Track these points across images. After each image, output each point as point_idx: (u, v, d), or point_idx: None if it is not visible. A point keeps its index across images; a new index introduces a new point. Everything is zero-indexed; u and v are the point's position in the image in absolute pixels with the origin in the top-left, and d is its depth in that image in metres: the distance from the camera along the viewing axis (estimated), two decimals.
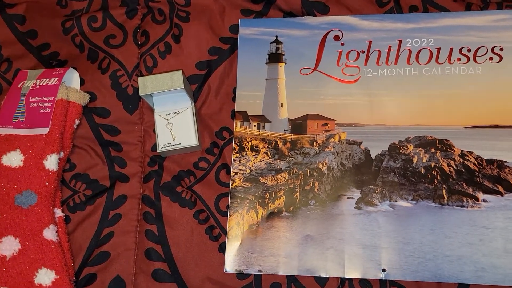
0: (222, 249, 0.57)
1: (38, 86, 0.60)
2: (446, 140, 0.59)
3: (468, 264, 0.53)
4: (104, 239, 0.58)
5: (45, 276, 0.53)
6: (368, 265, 0.54)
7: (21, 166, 0.56)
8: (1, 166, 0.56)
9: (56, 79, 0.60)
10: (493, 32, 0.61)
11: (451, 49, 0.61)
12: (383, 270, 0.54)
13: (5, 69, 0.65)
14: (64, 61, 0.65)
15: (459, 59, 0.61)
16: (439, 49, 0.61)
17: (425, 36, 0.62)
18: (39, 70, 0.62)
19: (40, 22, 0.66)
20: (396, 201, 0.57)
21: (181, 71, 0.57)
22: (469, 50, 0.61)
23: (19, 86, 0.61)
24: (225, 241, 0.57)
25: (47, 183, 0.56)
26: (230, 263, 0.56)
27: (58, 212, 0.58)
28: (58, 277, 0.53)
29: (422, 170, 0.58)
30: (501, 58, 0.60)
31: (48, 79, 0.61)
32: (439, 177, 0.58)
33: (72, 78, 0.63)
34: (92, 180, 0.60)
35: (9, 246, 0.54)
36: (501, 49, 0.60)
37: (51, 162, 0.57)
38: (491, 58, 0.60)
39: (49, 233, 0.55)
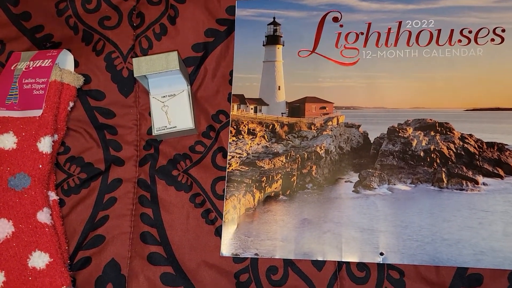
0: (218, 232, 0.56)
1: (31, 68, 0.59)
2: (446, 123, 0.58)
3: (467, 247, 0.52)
4: (99, 223, 0.57)
5: (39, 259, 0.52)
6: (366, 249, 0.53)
7: (14, 149, 0.56)
8: None
9: (50, 60, 0.59)
10: (494, 13, 0.60)
11: (452, 31, 0.60)
12: (381, 254, 0.53)
13: None
14: (58, 43, 0.64)
15: (460, 41, 0.60)
16: (439, 30, 0.60)
17: (425, 17, 0.61)
18: (33, 52, 0.61)
19: (33, 3, 0.65)
20: (394, 184, 0.57)
21: (176, 52, 0.56)
22: (470, 32, 0.60)
23: (12, 68, 0.60)
24: (221, 225, 0.56)
25: (40, 166, 0.55)
26: (227, 247, 0.55)
27: (52, 195, 0.57)
28: (52, 260, 0.53)
29: (421, 153, 0.57)
30: (502, 39, 0.59)
31: (41, 61, 0.60)
32: (438, 160, 0.57)
33: (66, 60, 0.62)
34: (86, 164, 0.60)
35: (2, 228, 0.53)
36: (503, 30, 0.59)
37: (45, 145, 0.56)
38: (492, 40, 0.59)
39: (43, 216, 0.54)
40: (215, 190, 0.58)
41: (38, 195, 0.55)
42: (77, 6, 0.64)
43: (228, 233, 0.56)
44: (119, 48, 0.63)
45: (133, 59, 0.56)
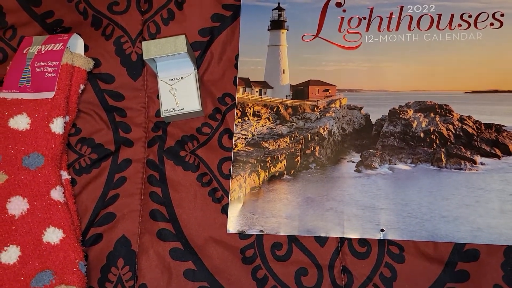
0: (224, 210, 0.58)
1: (43, 52, 0.61)
2: (445, 105, 0.60)
3: (464, 224, 0.54)
4: (109, 201, 0.59)
5: (53, 234, 0.55)
6: (367, 226, 0.56)
7: (27, 129, 0.58)
8: (8, 129, 0.58)
9: (61, 44, 0.61)
10: None
11: (452, 15, 0.61)
12: (382, 230, 0.55)
13: (10, 36, 0.65)
14: (68, 28, 0.65)
15: (460, 25, 0.61)
16: (440, 15, 0.62)
17: (426, 2, 0.62)
18: (44, 36, 0.63)
19: None
20: (395, 164, 0.58)
21: (184, 35, 0.58)
22: (470, 16, 0.61)
23: (24, 52, 0.62)
24: (228, 203, 0.58)
25: (53, 146, 0.57)
26: (233, 224, 0.57)
27: (65, 175, 0.59)
28: (65, 235, 0.55)
29: (421, 134, 0.59)
30: (501, 23, 0.60)
31: (53, 45, 0.61)
32: (438, 141, 0.59)
33: (77, 44, 0.63)
34: (97, 144, 0.62)
35: (18, 206, 0.55)
36: (502, 15, 0.60)
37: (57, 125, 0.58)
38: (491, 24, 0.60)
39: (56, 194, 0.56)
40: (222, 170, 0.60)
41: (51, 174, 0.57)
42: None
43: (234, 210, 0.58)
44: (127, 33, 0.64)
45: (142, 42, 0.58)
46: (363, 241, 0.56)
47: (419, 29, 0.62)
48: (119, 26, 0.65)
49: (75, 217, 0.58)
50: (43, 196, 0.56)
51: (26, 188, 0.56)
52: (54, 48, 0.61)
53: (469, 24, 0.61)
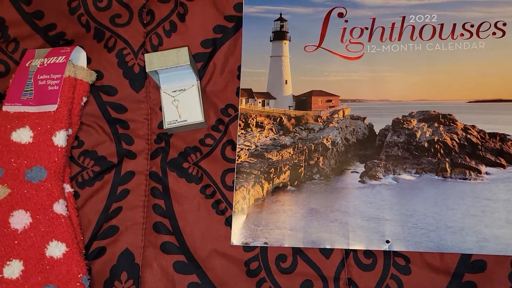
0: (228, 222, 0.58)
1: (46, 64, 0.61)
2: (449, 114, 0.60)
3: (470, 234, 0.54)
4: (112, 214, 0.59)
5: (56, 248, 0.54)
6: (372, 237, 0.55)
7: (30, 142, 0.57)
8: (11, 142, 0.58)
9: (64, 57, 0.61)
10: (496, 7, 0.61)
11: (454, 25, 0.61)
12: (387, 242, 0.55)
13: (12, 49, 0.65)
14: (70, 41, 0.66)
15: (462, 35, 0.61)
16: (442, 25, 0.62)
17: (428, 12, 0.62)
18: (47, 49, 0.63)
19: (46, 2, 0.67)
20: (399, 174, 0.58)
21: (186, 47, 0.58)
22: (472, 26, 0.61)
23: (27, 65, 0.62)
24: (231, 215, 0.58)
25: (56, 159, 0.57)
26: (237, 236, 0.57)
27: (67, 188, 0.59)
28: (68, 249, 0.54)
29: (425, 144, 0.59)
30: (504, 33, 0.60)
31: (55, 57, 0.61)
32: (442, 151, 0.58)
33: (79, 56, 0.63)
34: (100, 157, 0.61)
35: (21, 219, 0.55)
36: (504, 24, 0.60)
37: (60, 138, 0.58)
38: (494, 33, 0.61)
39: (59, 207, 0.56)
40: (225, 182, 0.60)
41: (54, 187, 0.56)
42: (88, 4, 0.66)
43: (238, 222, 0.57)
44: (130, 45, 0.64)
45: (145, 54, 0.58)
46: (368, 253, 0.56)
47: (422, 38, 0.62)
48: (122, 38, 0.65)
49: (78, 231, 0.57)
50: (46, 209, 0.56)
51: (28, 202, 0.56)
52: (57, 61, 0.61)
53: (472, 34, 0.61)
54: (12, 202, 0.56)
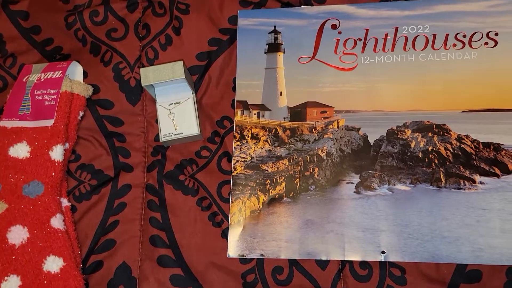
0: (224, 234, 0.58)
1: (42, 80, 0.62)
2: (443, 124, 0.60)
3: (465, 244, 0.54)
4: (109, 227, 0.59)
5: (53, 263, 0.55)
6: (368, 248, 0.55)
7: (27, 157, 0.58)
8: (8, 157, 0.58)
9: (60, 72, 0.62)
10: (488, 17, 0.62)
11: (447, 35, 0.62)
12: (383, 252, 0.55)
13: (10, 64, 0.66)
14: (67, 55, 0.66)
15: (454, 45, 0.62)
16: (435, 35, 0.62)
17: (421, 22, 0.63)
18: (43, 64, 0.64)
19: (43, 17, 0.68)
20: (394, 185, 0.58)
21: (182, 61, 0.59)
22: (464, 36, 0.62)
23: (24, 80, 0.63)
24: (228, 227, 0.58)
25: (53, 174, 0.58)
26: (233, 248, 0.57)
27: (65, 202, 0.59)
28: (65, 264, 0.55)
29: (420, 154, 0.59)
30: (496, 42, 0.61)
31: (52, 72, 0.62)
32: (436, 161, 0.59)
33: (76, 71, 0.64)
34: (97, 170, 0.62)
35: (18, 234, 0.56)
36: (496, 34, 0.61)
37: (57, 153, 0.58)
38: (486, 43, 0.61)
39: (56, 222, 0.56)
40: (221, 194, 0.60)
41: (51, 202, 0.57)
42: (85, 19, 0.67)
43: (234, 235, 0.58)
44: (126, 59, 0.65)
45: (141, 69, 0.58)
46: (364, 264, 0.56)
47: (415, 49, 0.62)
48: (118, 52, 0.65)
49: (75, 245, 0.57)
50: (43, 224, 0.56)
51: (26, 217, 0.56)
52: (54, 76, 0.61)
53: (464, 44, 0.61)
54: (10, 218, 0.56)
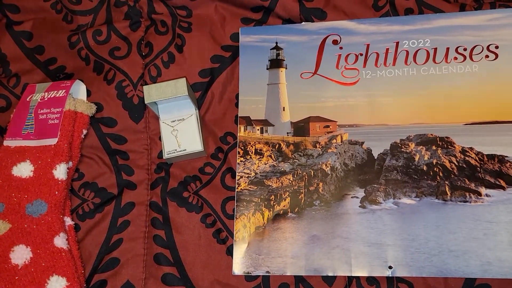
0: (229, 251, 0.58)
1: (46, 99, 0.62)
2: (446, 137, 0.60)
3: (473, 258, 0.53)
4: (113, 246, 0.59)
5: (56, 283, 0.54)
6: (375, 263, 0.55)
7: (31, 177, 0.58)
8: (11, 176, 0.58)
9: (64, 91, 0.62)
10: (488, 31, 0.62)
11: (448, 49, 0.62)
12: (390, 267, 0.54)
13: (13, 84, 0.66)
14: (70, 74, 0.67)
15: (455, 58, 0.62)
16: (435, 49, 0.63)
17: (421, 37, 0.63)
18: (47, 84, 0.64)
19: (46, 37, 0.68)
20: (400, 198, 0.58)
21: (184, 78, 0.59)
22: (465, 49, 0.62)
23: (27, 100, 0.63)
24: (233, 244, 0.58)
25: (56, 192, 0.57)
26: (238, 266, 0.56)
27: (68, 221, 0.59)
28: (69, 284, 0.54)
29: (424, 168, 0.59)
30: (496, 55, 0.61)
31: (55, 91, 0.62)
32: (441, 174, 0.59)
33: (79, 89, 0.64)
34: (100, 189, 0.61)
35: (21, 254, 0.55)
36: (496, 47, 0.61)
37: (60, 172, 0.58)
38: (486, 56, 0.61)
39: (60, 241, 0.56)
40: (225, 210, 0.60)
41: (55, 221, 0.57)
42: (88, 38, 0.67)
43: (239, 252, 0.57)
44: (129, 77, 0.65)
45: (144, 86, 0.59)
46: (371, 279, 0.55)
47: (416, 63, 0.63)
48: (121, 71, 0.66)
49: (78, 264, 0.57)
50: (47, 243, 0.56)
51: (29, 237, 0.56)
52: (57, 95, 0.62)
53: (465, 57, 0.62)
54: (13, 237, 0.55)
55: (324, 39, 0.65)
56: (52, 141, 0.59)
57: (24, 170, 0.58)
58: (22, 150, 0.59)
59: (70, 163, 0.60)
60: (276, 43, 0.66)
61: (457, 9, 0.65)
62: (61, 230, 0.56)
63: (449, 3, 0.65)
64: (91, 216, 0.60)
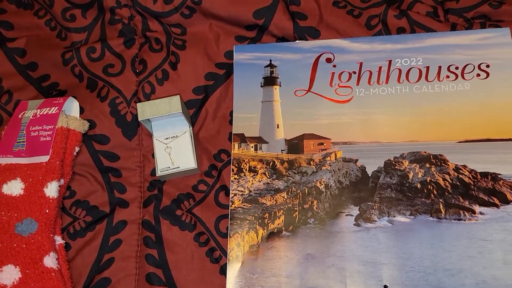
0: (223, 271, 0.57)
1: (38, 116, 0.61)
2: (440, 155, 0.60)
3: (469, 277, 0.53)
4: (104, 265, 0.58)
5: None
6: (370, 282, 0.54)
7: (21, 195, 0.57)
8: (1, 195, 0.57)
9: (56, 108, 0.62)
10: (479, 50, 0.63)
11: (440, 67, 0.63)
12: (385, 286, 0.54)
13: (5, 101, 0.66)
14: (63, 91, 0.66)
15: (448, 77, 0.63)
16: (428, 67, 0.63)
17: (413, 55, 0.64)
18: (40, 100, 0.64)
19: (40, 54, 0.68)
20: (394, 216, 0.58)
21: (178, 96, 0.59)
22: (457, 68, 0.63)
23: (19, 116, 0.62)
24: (226, 263, 0.57)
25: (47, 211, 0.56)
26: (232, 285, 0.56)
27: (58, 240, 0.58)
28: None
29: (418, 185, 0.59)
30: (488, 74, 0.62)
31: (48, 108, 0.62)
32: (435, 192, 0.59)
33: (72, 106, 0.64)
34: (92, 207, 0.61)
35: (10, 275, 0.54)
36: (487, 66, 0.62)
37: (52, 190, 0.57)
38: (478, 75, 0.62)
39: (50, 261, 0.55)
40: (219, 228, 0.59)
41: (45, 240, 0.55)
42: (82, 55, 0.67)
43: (233, 271, 0.56)
44: (122, 94, 0.65)
45: (137, 104, 0.58)
46: None
47: (409, 81, 0.63)
48: (114, 88, 0.66)
49: (68, 285, 0.56)
50: (36, 263, 0.54)
51: (18, 256, 0.55)
52: (50, 112, 0.61)
53: (457, 76, 0.62)
54: (2, 257, 0.54)
55: (318, 57, 0.66)
56: (44, 159, 0.58)
57: (14, 188, 0.57)
58: (12, 168, 0.58)
59: (62, 180, 0.59)
60: (270, 60, 0.66)
61: (448, 29, 0.66)
62: (51, 250, 0.55)
63: (441, 23, 0.66)
64: (82, 234, 0.59)
